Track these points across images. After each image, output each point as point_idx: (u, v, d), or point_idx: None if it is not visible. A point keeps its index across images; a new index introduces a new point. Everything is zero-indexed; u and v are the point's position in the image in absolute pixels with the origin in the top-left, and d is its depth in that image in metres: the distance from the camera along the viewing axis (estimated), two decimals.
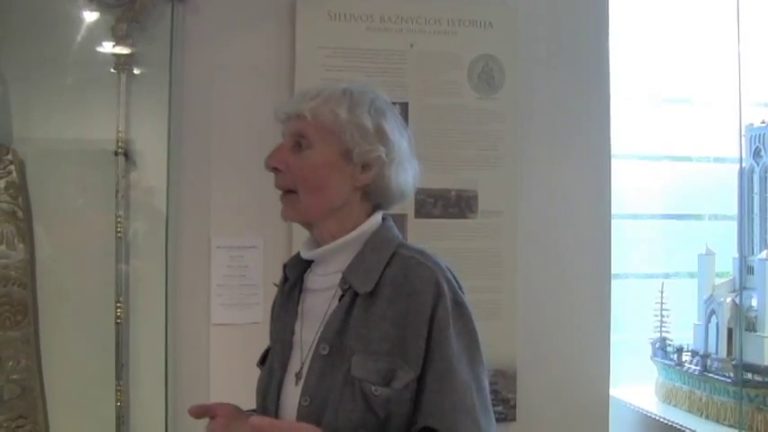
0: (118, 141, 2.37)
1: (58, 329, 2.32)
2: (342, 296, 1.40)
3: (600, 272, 2.73)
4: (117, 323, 2.32)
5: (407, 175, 1.47)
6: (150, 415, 2.33)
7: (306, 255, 1.49)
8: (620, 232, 2.86)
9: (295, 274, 1.52)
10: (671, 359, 2.91)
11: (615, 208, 2.79)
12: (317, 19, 2.48)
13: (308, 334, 1.43)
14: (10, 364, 2.22)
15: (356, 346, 1.35)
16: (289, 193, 1.44)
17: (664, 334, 2.98)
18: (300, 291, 1.50)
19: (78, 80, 2.40)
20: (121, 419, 2.31)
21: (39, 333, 2.30)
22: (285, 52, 2.49)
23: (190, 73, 2.45)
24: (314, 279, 1.48)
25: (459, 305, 1.39)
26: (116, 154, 2.36)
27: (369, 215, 1.47)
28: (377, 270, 1.39)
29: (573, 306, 2.70)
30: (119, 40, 2.38)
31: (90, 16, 2.41)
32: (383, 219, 1.48)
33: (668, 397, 2.92)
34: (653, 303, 3.01)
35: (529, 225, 2.64)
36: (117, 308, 2.32)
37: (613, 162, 2.78)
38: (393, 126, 1.45)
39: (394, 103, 2.38)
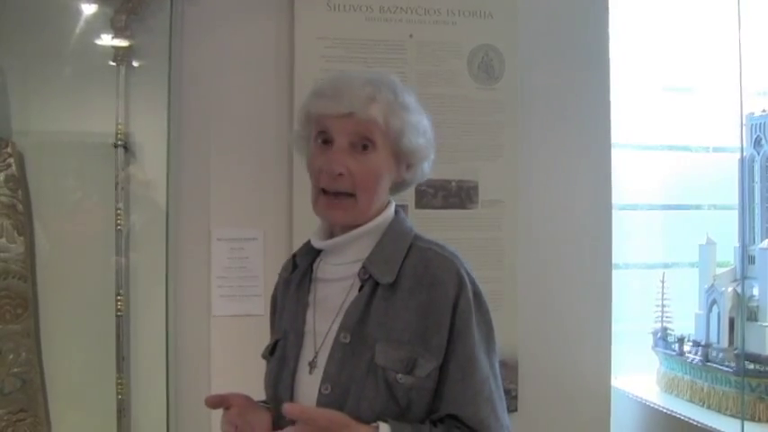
0: (117, 133, 2.36)
1: (59, 322, 2.32)
2: (361, 286, 1.41)
3: (601, 262, 2.72)
4: (117, 316, 2.32)
5: (430, 165, 1.54)
6: (151, 407, 2.33)
7: (320, 245, 1.48)
8: (619, 222, 2.85)
9: (305, 264, 1.51)
10: (672, 349, 2.91)
11: (615, 198, 2.79)
12: (316, 9, 2.47)
13: (321, 324, 1.43)
14: (11, 357, 2.22)
15: (378, 335, 1.36)
16: (342, 195, 1.40)
17: (665, 324, 2.97)
18: (310, 280, 1.50)
19: (77, 72, 2.40)
20: (122, 412, 2.31)
21: (39, 326, 2.29)
22: (284, 43, 2.48)
23: (189, 64, 2.44)
24: (327, 269, 1.48)
25: (479, 296, 1.42)
26: (115, 146, 2.36)
27: (386, 202, 1.49)
28: (396, 261, 1.41)
29: (574, 296, 2.69)
30: (117, 32, 2.38)
31: (89, 8, 2.40)
32: (398, 211, 1.50)
33: (670, 387, 2.92)
34: (653, 293, 3.01)
35: (529, 215, 2.64)
36: (117, 300, 2.32)
37: (613, 152, 2.77)
38: (423, 118, 1.49)
39: None
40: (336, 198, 1.41)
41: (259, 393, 1.52)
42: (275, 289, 1.62)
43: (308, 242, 1.52)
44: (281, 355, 1.47)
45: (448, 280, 1.38)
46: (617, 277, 2.80)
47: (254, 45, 2.49)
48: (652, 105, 3.18)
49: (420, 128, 1.45)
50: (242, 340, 2.33)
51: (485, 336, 1.41)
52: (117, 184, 2.35)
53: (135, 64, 2.41)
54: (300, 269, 1.51)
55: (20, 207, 2.28)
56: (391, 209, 1.48)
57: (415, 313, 1.37)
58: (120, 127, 2.36)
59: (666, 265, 3.18)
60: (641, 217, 3.25)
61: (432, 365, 1.35)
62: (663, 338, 2.96)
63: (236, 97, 2.47)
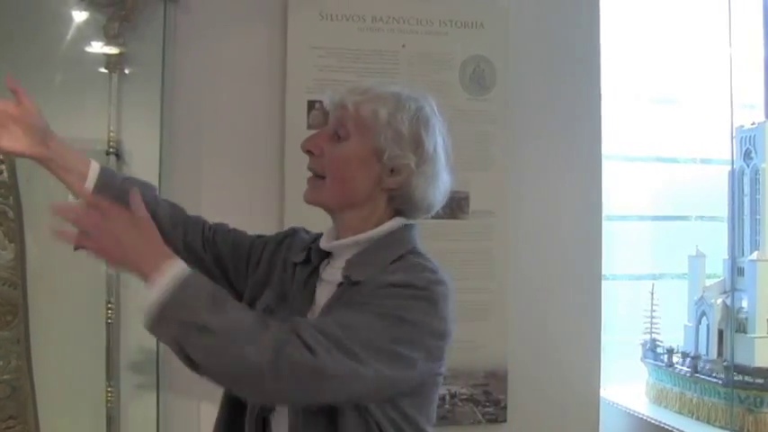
0: (109, 141, 2.35)
1: (49, 330, 2.29)
2: (339, 285, 1.42)
3: (590, 273, 2.74)
4: (108, 323, 2.31)
5: (436, 189, 1.48)
6: (141, 416, 2.32)
7: (323, 245, 1.50)
8: (607, 233, 2.86)
9: (317, 261, 1.52)
10: (661, 360, 2.92)
11: (603, 209, 2.80)
12: (309, 19, 2.48)
13: None
14: (0, 364, 2.21)
15: None
16: (317, 177, 1.46)
17: (654, 335, 2.98)
18: (316, 279, 1.51)
19: (69, 80, 2.38)
20: (111, 419, 2.29)
21: (29, 333, 2.28)
22: (277, 52, 2.49)
23: (181, 73, 2.44)
24: (327, 270, 1.49)
25: (426, 294, 1.33)
26: (107, 154, 2.35)
27: (388, 217, 1.48)
28: (379, 266, 1.39)
29: (564, 307, 2.70)
30: (110, 40, 2.37)
31: (81, 16, 2.38)
32: (407, 225, 1.48)
33: (659, 398, 2.92)
34: (641, 305, 3.02)
35: (520, 226, 2.64)
36: (108, 308, 2.31)
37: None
38: (432, 138, 1.45)
39: None
40: (312, 179, 1.47)
41: None
42: (270, 244, 1.62)
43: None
44: None
45: (394, 270, 1.37)
46: (605, 288, 2.81)
47: (247, 53, 2.50)
48: (640, 117, 3.20)
49: (398, 130, 1.42)
50: None
51: (391, 317, 1.29)
52: None
53: (127, 71, 2.40)
54: (311, 265, 1.52)
55: (11, 214, 2.27)
56: (394, 222, 1.47)
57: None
58: (112, 134, 2.36)
59: (654, 277, 3.19)
60: (629, 228, 3.26)
61: None
62: (652, 350, 2.97)
63: (229, 105, 2.47)
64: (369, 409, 1.32)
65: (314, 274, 1.51)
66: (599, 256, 2.75)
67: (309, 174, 1.49)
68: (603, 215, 2.79)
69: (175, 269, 1.24)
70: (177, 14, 2.44)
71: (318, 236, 1.57)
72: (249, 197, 2.46)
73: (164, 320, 1.20)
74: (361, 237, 1.44)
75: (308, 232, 1.64)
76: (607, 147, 2.82)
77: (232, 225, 2.44)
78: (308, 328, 1.23)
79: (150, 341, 2.31)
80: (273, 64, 2.49)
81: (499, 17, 2.63)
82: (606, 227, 2.82)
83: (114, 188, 1.56)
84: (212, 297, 1.23)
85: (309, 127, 2.43)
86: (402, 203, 1.47)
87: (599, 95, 2.76)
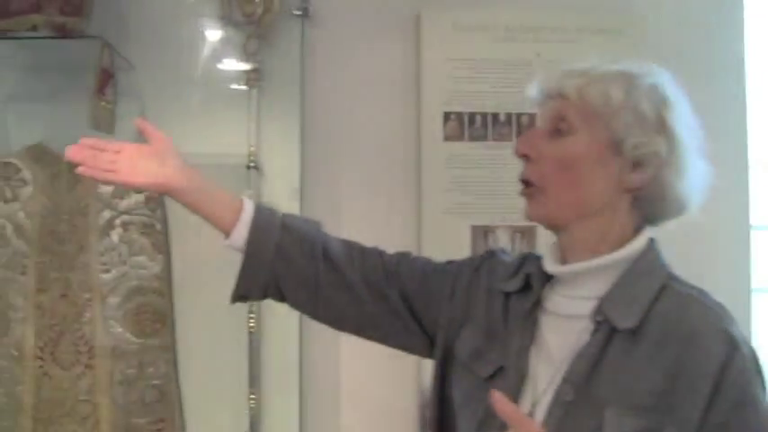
0: (249, 155, 2.43)
1: (194, 337, 2.39)
2: (595, 330, 1.14)
3: (739, 285, 2.60)
4: (250, 332, 2.37)
5: (689, 182, 1.21)
6: (283, 422, 2.37)
7: (553, 270, 1.22)
8: (755, 244, 2.70)
9: (538, 288, 1.25)
10: None
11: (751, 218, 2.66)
12: (442, 31, 2.49)
13: (543, 369, 1.17)
14: (150, 369, 2.31)
15: (610, 397, 1.08)
16: (532, 187, 1.21)
17: None
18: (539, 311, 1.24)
19: (209, 96, 2.48)
20: (254, 425, 2.35)
21: (176, 341, 2.38)
22: (411, 65, 2.51)
23: (317, 87, 2.49)
24: (557, 300, 1.22)
25: (757, 361, 1.11)
26: (248, 168, 2.43)
27: (636, 229, 1.22)
28: (642, 303, 1.13)
29: None
30: (249, 57, 2.45)
31: (220, 35, 2.48)
32: (652, 240, 1.23)
33: None
34: None
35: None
36: (250, 317, 2.37)
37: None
38: (679, 119, 1.20)
39: (521, 115, 2.38)
40: (529, 189, 1.22)
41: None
42: (464, 271, 1.37)
43: (538, 260, 1.28)
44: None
45: (712, 336, 1.08)
46: (754, 302, 2.65)
47: (381, 67, 2.52)
48: None
49: (639, 111, 1.16)
50: (372, 360, 2.33)
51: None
52: None
53: (264, 87, 2.47)
54: (532, 294, 1.25)
55: (158, 227, 2.38)
56: (642, 239, 1.21)
57: (664, 372, 1.07)
58: (252, 149, 2.43)
59: None
60: None
61: None
62: None
63: (364, 118, 2.50)
64: None
65: (536, 304, 1.23)
66: (747, 268, 2.61)
67: (522, 186, 1.24)
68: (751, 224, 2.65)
69: None
70: (310, 29, 2.49)
71: (526, 257, 1.32)
72: (386, 210, 2.47)
73: None
74: (606, 259, 1.17)
75: (505, 252, 1.38)
76: (753, 152, 2.68)
77: (370, 239, 2.46)
78: None
79: (292, 350, 2.37)
80: (408, 76, 2.50)
81: (636, 23, 2.55)
82: (753, 237, 2.68)
83: (274, 227, 1.40)
84: None
85: (446, 139, 2.43)
86: (651, 206, 1.21)
87: (744, 100, 2.63)
